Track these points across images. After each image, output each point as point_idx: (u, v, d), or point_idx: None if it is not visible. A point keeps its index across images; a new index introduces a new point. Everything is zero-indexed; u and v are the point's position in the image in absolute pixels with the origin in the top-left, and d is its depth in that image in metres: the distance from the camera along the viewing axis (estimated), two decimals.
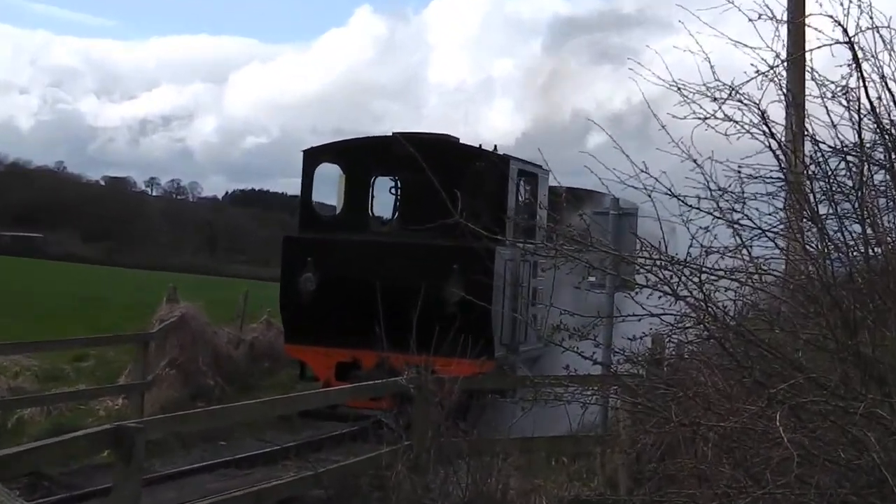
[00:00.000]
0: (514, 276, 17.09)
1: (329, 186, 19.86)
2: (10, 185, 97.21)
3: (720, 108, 7.57)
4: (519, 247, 16.89)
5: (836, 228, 7.23)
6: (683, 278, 7.12)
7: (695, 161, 7.59)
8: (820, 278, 6.90)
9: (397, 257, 16.98)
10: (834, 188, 7.26)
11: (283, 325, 18.50)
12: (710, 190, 7.57)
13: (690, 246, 7.50)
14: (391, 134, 17.52)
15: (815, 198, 7.33)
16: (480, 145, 17.70)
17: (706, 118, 7.60)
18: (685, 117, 7.70)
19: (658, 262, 7.31)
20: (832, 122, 7.30)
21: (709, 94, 7.61)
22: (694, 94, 7.66)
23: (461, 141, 18.27)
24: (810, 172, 7.39)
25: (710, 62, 7.65)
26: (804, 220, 7.40)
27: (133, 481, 7.55)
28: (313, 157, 18.46)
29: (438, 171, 15.80)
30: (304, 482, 10.08)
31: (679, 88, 7.72)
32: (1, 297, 34.07)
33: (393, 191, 19.41)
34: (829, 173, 7.28)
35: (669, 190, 7.60)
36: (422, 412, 10.59)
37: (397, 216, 19.38)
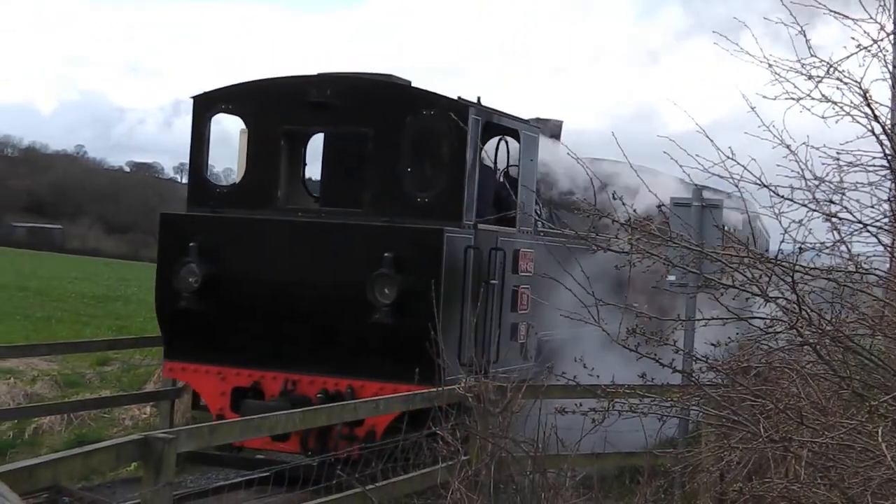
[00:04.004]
0: (479, 270, 13.66)
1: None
2: (24, 171, 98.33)
3: (816, 87, 7.56)
4: (489, 230, 13.95)
5: None
6: (774, 278, 7.12)
7: (788, 147, 7.59)
8: None
9: (310, 243, 13.82)
10: None
11: (162, 336, 15.07)
12: (805, 179, 7.57)
13: (782, 241, 7.50)
14: (315, 74, 14.60)
15: None
16: (460, 97, 13.94)
17: (801, 99, 7.60)
18: (776, 98, 7.70)
19: (746, 260, 7.31)
20: None
21: (804, 72, 7.60)
22: (787, 71, 7.66)
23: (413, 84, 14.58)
24: None
25: (805, 35, 7.65)
26: None
27: (163, 497, 7.62)
28: (206, 106, 14.88)
29: (375, 122, 13.96)
30: (349, 500, 10.12)
31: (770, 65, 7.73)
32: (16, 295, 34.49)
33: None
34: None
35: (759, 179, 7.60)
36: (482, 423, 10.62)
37: (320, 187, 16.00)
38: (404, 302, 12.84)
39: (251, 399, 13.58)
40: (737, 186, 7.69)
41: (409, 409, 10.88)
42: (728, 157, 7.60)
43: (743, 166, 7.59)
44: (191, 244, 14.02)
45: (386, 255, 12.99)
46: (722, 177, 7.73)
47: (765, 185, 7.60)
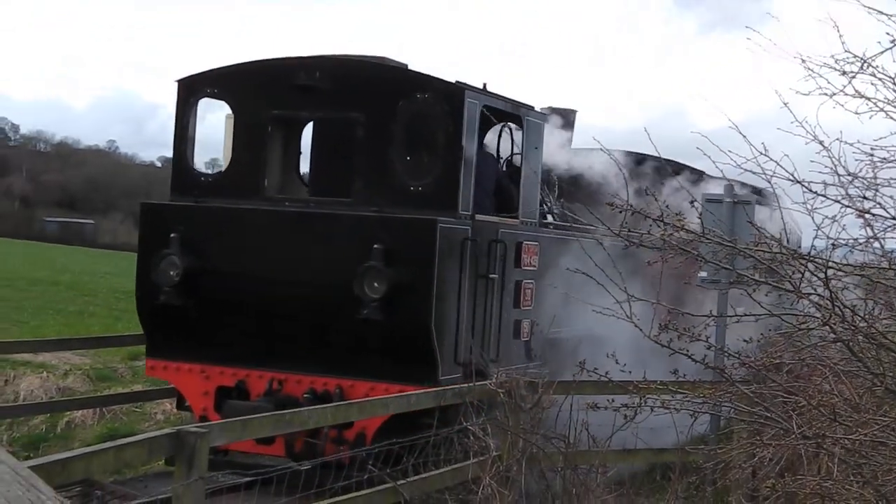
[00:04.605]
0: (476, 264, 12.79)
1: None
2: (57, 166, 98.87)
3: (850, 82, 7.53)
4: (489, 221, 13.21)
5: None
6: (808, 274, 7.10)
7: (821, 143, 7.56)
8: None
9: (297, 234, 12.97)
10: None
11: (143, 332, 14.17)
12: (838, 175, 7.54)
13: (815, 237, 7.48)
14: (305, 56, 13.68)
15: None
16: (457, 81, 12.99)
17: (834, 94, 7.57)
18: (810, 93, 7.67)
19: (779, 256, 7.30)
20: None
21: (837, 68, 7.57)
22: (820, 67, 7.63)
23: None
24: None
25: (838, 30, 7.62)
26: None
27: (195, 491, 7.64)
28: (191, 90, 14.00)
29: (365, 106, 13.11)
30: (381, 495, 10.11)
31: (803, 61, 7.70)
32: (49, 289, 34.63)
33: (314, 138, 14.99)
34: None
35: (792, 175, 7.58)
36: (513, 419, 10.62)
37: (309, 175, 15.00)
38: (395, 297, 12.10)
39: (235, 399, 12.88)
40: (769, 182, 7.68)
41: (439, 404, 10.81)
42: (761, 153, 7.58)
43: (776, 162, 7.58)
44: (172, 235, 13.25)
45: (375, 247, 12.16)
46: (755, 172, 7.71)
47: (798, 181, 7.58)
